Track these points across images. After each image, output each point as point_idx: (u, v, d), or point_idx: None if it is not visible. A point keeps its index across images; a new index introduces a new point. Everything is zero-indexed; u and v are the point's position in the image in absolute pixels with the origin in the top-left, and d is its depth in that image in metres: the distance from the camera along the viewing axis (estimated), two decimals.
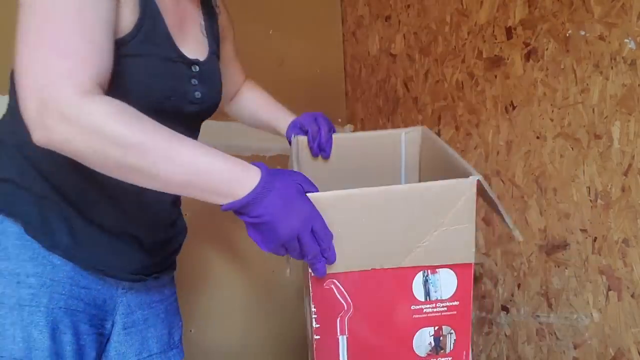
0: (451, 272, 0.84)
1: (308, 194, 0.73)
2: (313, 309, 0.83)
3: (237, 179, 0.69)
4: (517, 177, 1.48)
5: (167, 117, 0.73)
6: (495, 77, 1.54)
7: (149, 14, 0.80)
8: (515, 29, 1.48)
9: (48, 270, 0.82)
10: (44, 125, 0.63)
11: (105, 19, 0.69)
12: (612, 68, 1.24)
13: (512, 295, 1.48)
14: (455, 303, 0.85)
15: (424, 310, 0.86)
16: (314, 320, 0.84)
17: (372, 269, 0.82)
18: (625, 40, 1.21)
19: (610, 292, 1.25)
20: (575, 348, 1.32)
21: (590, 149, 1.29)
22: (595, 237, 1.28)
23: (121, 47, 0.75)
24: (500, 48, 1.52)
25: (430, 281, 0.85)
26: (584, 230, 1.31)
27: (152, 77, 0.82)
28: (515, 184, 1.48)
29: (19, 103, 0.65)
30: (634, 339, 1.20)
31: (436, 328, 0.86)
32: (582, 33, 1.30)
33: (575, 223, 1.33)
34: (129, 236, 0.89)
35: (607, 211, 1.26)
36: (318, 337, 0.85)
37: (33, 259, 0.81)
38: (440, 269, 0.84)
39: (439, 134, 1.75)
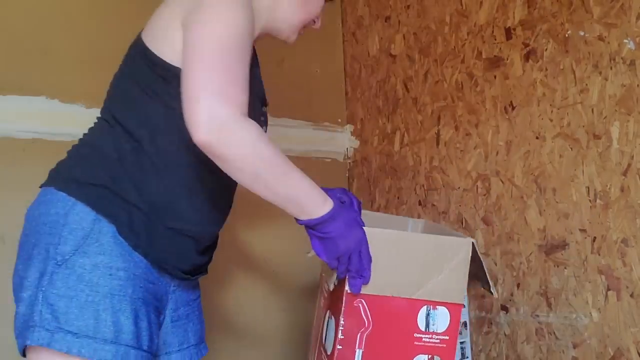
0: (446, 310, 1.03)
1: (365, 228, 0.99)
2: (342, 322, 1.02)
3: (319, 204, 0.94)
4: (517, 177, 1.48)
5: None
6: (495, 77, 1.55)
7: (255, 62, 1.04)
8: (514, 29, 1.48)
9: (132, 265, 0.95)
10: (213, 133, 0.84)
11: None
12: (611, 68, 1.25)
13: (512, 294, 1.49)
14: (446, 337, 1.04)
15: (423, 339, 1.04)
16: (340, 331, 1.02)
17: (390, 295, 1.01)
18: (625, 40, 1.22)
19: (610, 292, 1.25)
20: (574, 347, 1.32)
21: (590, 149, 1.29)
22: (595, 237, 1.28)
23: None
24: (500, 48, 1.53)
25: (431, 315, 1.03)
26: (583, 230, 1.31)
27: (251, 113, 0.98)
28: (515, 184, 1.48)
29: (186, 109, 0.86)
30: (633, 338, 1.21)
31: (429, 356, 1.04)
32: (582, 33, 1.31)
33: (575, 223, 1.33)
34: (194, 241, 1.04)
35: (606, 211, 1.26)
36: (341, 347, 1.03)
37: (122, 255, 0.94)
38: (439, 306, 1.03)
39: (438, 133, 1.76)
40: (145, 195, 0.97)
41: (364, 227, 0.99)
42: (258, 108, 1.07)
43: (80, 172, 0.98)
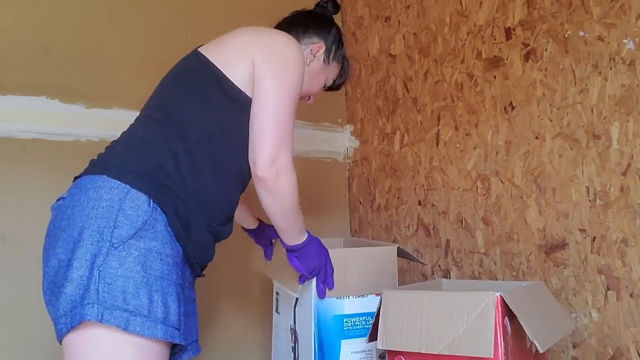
0: None
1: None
2: None
3: (301, 234, 1.24)
4: (516, 177, 1.48)
5: None
6: (495, 77, 1.55)
7: None
8: (514, 29, 1.48)
9: (175, 253, 1.04)
10: (273, 172, 1.08)
11: None
12: (611, 68, 1.25)
13: None
14: None
15: None
16: None
17: (418, 352, 1.10)
18: (624, 40, 1.22)
19: (609, 292, 1.25)
20: (574, 347, 1.32)
21: (589, 149, 1.30)
22: (594, 237, 1.29)
23: None
24: (500, 48, 1.53)
25: None
26: (582, 230, 1.31)
27: None
28: (514, 184, 1.48)
29: (254, 146, 1.09)
30: (632, 338, 1.21)
31: None
32: (581, 34, 1.31)
33: (574, 223, 1.33)
34: (215, 239, 1.16)
35: (605, 211, 1.26)
36: None
37: (171, 242, 1.03)
38: None
39: (438, 134, 1.76)
40: (191, 192, 1.07)
41: (330, 250, 1.33)
42: None
43: (134, 163, 1.05)
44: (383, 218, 2.01)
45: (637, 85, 1.20)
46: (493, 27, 1.55)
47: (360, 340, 1.36)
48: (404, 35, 1.93)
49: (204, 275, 1.20)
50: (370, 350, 1.37)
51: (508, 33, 1.50)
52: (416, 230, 1.83)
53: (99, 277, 0.94)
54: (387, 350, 1.16)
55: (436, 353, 1.07)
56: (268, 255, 1.63)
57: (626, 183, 1.22)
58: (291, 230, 1.21)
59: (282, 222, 1.18)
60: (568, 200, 1.35)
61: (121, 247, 0.96)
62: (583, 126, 1.31)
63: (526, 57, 1.45)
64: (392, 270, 1.45)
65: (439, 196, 1.74)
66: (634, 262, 1.21)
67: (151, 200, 1.01)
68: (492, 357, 1.02)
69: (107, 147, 1.12)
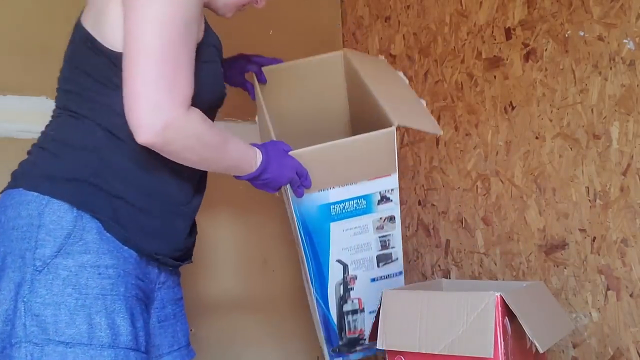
0: None
1: (290, 152, 1.10)
2: None
3: (251, 161, 1.01)
4: (516, 177, 1.48)
5: (213, 112, 1.02)
6: (495, 77, 1.55)
7: (207, 26, 0.98)
8: (514, 29, 1.48)
9: (121, 262, 0.89)
10: (157, 135, 0.82)
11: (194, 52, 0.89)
12: (611, 68, 1.25)
13: None
14: None
15: None
16: None
17: (417, 352, 1.09)
18: (624, 40, 1.22)
19: (609, 292, 1.25)
20: (574, 347, 1.32)
21: (589, 149, 1.30)
22: (594, 237, 1.29)
23: (196, 55, 0.89)
24: (500, 48, 1.53)
25: None
26: (582, 230, 1.31)
27: (217, 79, 1.01)
28: (514, 184, 1.48)
29: (126, 107, 0.82)
30: (632, 338, 1.21)
31: None
32: (581, 33, 1.31)
33: (574, 223, 1.33)
34: (184, 218, 1.01)
35: (605, 211, 1.26)
36: None
37: (110, 251, 0.88)
38: None
39: None
40: (132, 183, 0.92)
41: (294, 151, 1.11)
42: (221, 72, 1.04)
43: (52, 169, 0.90)
44: None
45: (637, 85, 1.20)
46: (493, 27, 1.55)
47: (352, 219, 1.23)
48: (404, 35, 1.93)
49: (187, 261, 1.07)
50: (366, 225, 1.24)
51: (508, 33, 1.50)
52: (416, 230, 1.83)
53: (24, 310, 0.82)
54: (387, 350, 1.16)
55: (436, 353, 1.07)
56: (252, 95, 1.38)
57: (626, 183, 1.22)
58: (232, 166, 0.99)
59: (211, 169, 0.99)
60: (568, 200, 1.35)
61: (46, 269, 0.83)
62: (583, 126, 1.31)
63: (526, 57, 1.45)
64: (389, 156, 1.27)
65: (439, 196, 1.74)
66: (634, 262, 1.21)
67: (74, 208, 0.86)
68: (492, 357, 1.02)
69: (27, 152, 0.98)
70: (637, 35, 1.20)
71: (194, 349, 1.11)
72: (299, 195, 1.15)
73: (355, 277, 1.26)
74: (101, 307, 0.85)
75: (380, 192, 1.28)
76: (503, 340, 1.03)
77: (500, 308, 1.03)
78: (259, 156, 1.01)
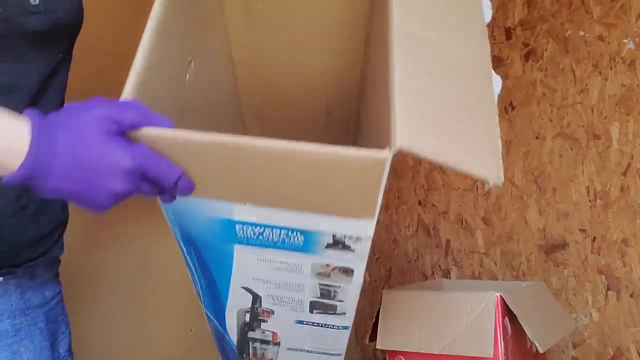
0: None
1: (133, 132, 0.49)
2: None
3: (5, 144, 0.47)
4: (517, 177, 1.48)
5: (8, 38, 0.63)
6: None
7: None
8: (514, 29, 1.48)
9: None
10: None
11: None
12: (611, 68, 1.25)
13: None
14: None
15: None
16: None
17: (417, 352, 1.09)
18: (624, 40, 1.22)
19: (610, 292, 1.25)
20: (574, 347, 1.32)
21: (589, 149, 1.30)
22: (595, 237, 1.29)
23: None
24: (500, 48, 1.53)
25: None
26: (583, 230, 1.31)
27: None
28: (515, 184, 1.48)
29: None
30: (633, 338, 1.21)
31: None
32: (582, 33, 1.31)
33: (575, 223, 1.33)
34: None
35: (606, 211, 1.26)
36: None
37: None
38: None
39: None
40: None
41: (148, 130, 0.51)
42: None
43: None
44: (383, 218, 2.01)
45: (638, 85, 1.20)
46: (493, 27, 1.55)
47: (275, 250, 0.79)
48: None
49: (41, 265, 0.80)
50: (299, 265, 0.80)
51: (508, 33, 1.50)
52: (416, 230, 1.83)
53: None
54: (387, 350, 1.16)
55: (436, 353, 1.07)
56: None
57: (626, 183, 1.22)
58: None
59: None
60: (568, 200, 1.34)
61: None
62: (583, 126, 1.31)
63: (526, 57, 1.45)
64: (367, 192, 0.69)
65: (439, 196, 1.74)
66: (634, 262, 1.21)
67: None
68: (492, 357, 1.02)
69: None
70: (637, 35, 1.20)
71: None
72: (166, 200, 0.62)
73: (271, 312, 0.91)
74: None
75: (334, 235, 0.77)
76: (503, 340, 1.03)
77: (500, 308, 1.03)
78: (26, 136, 0.48)
